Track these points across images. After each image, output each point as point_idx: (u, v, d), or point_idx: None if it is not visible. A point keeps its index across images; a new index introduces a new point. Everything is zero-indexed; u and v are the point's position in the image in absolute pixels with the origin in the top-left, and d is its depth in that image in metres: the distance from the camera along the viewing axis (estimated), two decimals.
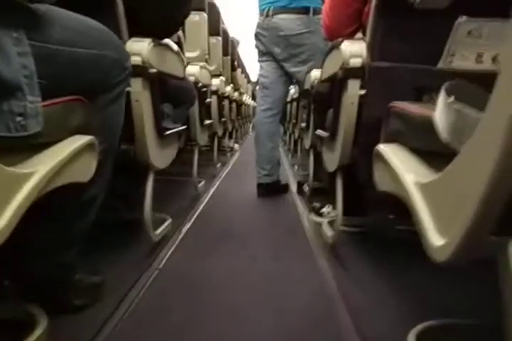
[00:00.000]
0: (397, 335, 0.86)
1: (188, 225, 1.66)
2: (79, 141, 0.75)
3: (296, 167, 3.16)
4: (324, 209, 1.83)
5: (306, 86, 2.17)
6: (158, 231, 1.38)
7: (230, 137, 4.31)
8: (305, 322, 0.95)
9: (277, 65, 2.27)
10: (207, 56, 2.81)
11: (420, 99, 1.11)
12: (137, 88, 1.10)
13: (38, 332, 0.71)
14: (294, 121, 3.03)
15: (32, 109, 0.60)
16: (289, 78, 2.33)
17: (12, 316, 0.80)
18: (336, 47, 1.26)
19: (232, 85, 3.83)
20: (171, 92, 1.43)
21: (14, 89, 0.56)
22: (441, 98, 0.58)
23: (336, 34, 1.36)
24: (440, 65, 1.08)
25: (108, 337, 0.85)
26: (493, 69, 1.09)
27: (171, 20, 1.22)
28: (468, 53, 1.06)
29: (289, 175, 2.97)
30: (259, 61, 2.38)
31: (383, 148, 0.82)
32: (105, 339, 0.84)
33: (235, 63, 4.47)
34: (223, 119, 3.12)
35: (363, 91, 1.13)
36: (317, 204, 1.89)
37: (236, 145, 4.67)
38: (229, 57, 3.83)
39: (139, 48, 1.10)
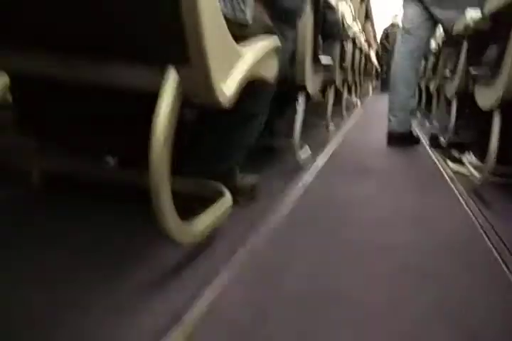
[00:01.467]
0: None
1: (324, 158, 1.73)
2: (270, 39, 0.83)
3: (427, 122, 3.02)
4: (465, 158, 1.75)
5: (457, 31, 2.03)
6: (303, 155, 1.47)
7: (351, 92, 4.22)
8: (455, 245, 0.95)
9: (424, 9, 2.14)
10: None
11: None
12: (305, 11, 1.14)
13: (226, 203, 0.83)
14: (431, 73, 2.88)
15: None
16: (434, 24, 2.19)
17: (196, 190, 0.91)
18: None
19: (364, 35, 3.71)
20: (324, 23, 1.46)
21: None
22: None
23: None
24: None
25: (266, 232, 0.94)
26: None
27: None
28: None
29: (421, 130, 2.86)
30: (404, 6, 2.27)
31: None
32: (263, 234, 0.93)
33: (368, 13, 4.30)
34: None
35: None
36: (456, 154, 1.82)
37: (358, 102, 4.57)
38: (364, 6, 3.70)
39: None
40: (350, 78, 3.25)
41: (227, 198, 0.85)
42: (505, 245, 0.95)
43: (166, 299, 0.63)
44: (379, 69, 7.95)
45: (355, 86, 4.31)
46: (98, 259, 0.74)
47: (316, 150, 1.82)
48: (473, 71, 1.52)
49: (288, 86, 1.31)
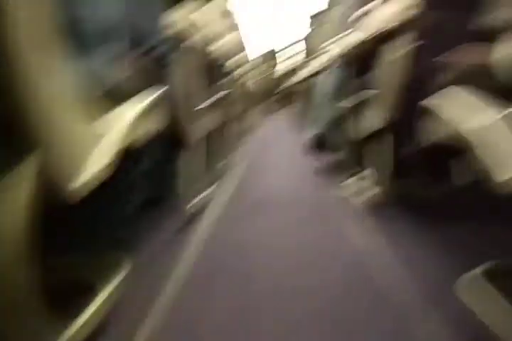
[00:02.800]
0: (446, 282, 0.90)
1: (221, 199, 1.69)
2: (149, 95, 0.78)
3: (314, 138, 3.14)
4: (352, 179, 1.82)
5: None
6: (196, 202, 1.41)
7: (243, 120, 4.30)
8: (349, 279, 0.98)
9: None
10: None
11: None
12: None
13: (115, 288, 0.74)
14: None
15: None
16: None
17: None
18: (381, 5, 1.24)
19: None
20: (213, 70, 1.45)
21: None
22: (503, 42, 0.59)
23: None
24: (487, 18, 1.06)
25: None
26: None
27: None
28: None
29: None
30: None
31: (439, 96, 0.83)
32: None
33: None
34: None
35: (411, 47, 1.11)
36: (345, 174, 1.89)
37: (250, 127, 4.64)
38: None
39: None
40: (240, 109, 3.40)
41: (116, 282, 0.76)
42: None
43: None
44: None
45: (247, 114, 4.45)
46: None
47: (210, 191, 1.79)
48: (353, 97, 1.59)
49: (173, 133, 1.26)
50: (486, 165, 0.63)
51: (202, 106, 1.38)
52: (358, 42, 1.51)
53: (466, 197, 1.22)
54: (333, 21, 2.69)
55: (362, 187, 1.66)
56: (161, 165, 1.46)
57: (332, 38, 2.19)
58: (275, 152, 2.74)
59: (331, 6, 2.99)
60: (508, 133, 0.59)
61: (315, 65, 3.05)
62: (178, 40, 1.11)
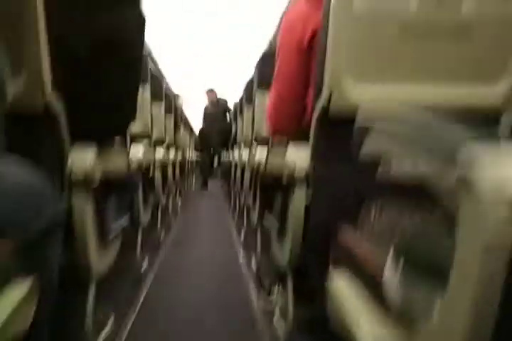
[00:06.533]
0: None
1: (131, 320, 1.56)
2: (15, 291, 0.69)
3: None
4: (274, 292, 1.80)
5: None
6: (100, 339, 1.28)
7: (175, 200, 4.22)
8: None
9: None
10: (149, 125, 2.77)
11: (361, 205, 1.16)
12: (80, 203, 1.05)
13: None
14: None
15: None
16: None
17: None
18: (282, 146, 1.30)
19: (175, 147, 3.81)
20: (115, 189, 1.39)
21: None
22: (391, 260, 0.60)
23: (280, 131, 1.42)
24: (379, 174, 1.14)
25: None
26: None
27: (118, 125, 1.20)
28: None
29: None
30: None
31: (335, 278, 0.83)
32: None
33: (178, 122, 4.48)
34: (167, 188, 3.07)
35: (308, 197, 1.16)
36: (267, 285, 1.86)
37: (179, 209, 4.58)
38: (172, 115, 3.83)
39: (83, 159, 1.06)
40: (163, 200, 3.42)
41: None
42: None
43: None
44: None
45: (179, 194, 4.42)
46: None
47: (124, 307, 1.66)
48: (265, 222, 1.61)
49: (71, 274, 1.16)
50: None
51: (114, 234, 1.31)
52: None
53: None
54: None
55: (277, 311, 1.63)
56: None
57: None
58: None
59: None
60: None
61: None
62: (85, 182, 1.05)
